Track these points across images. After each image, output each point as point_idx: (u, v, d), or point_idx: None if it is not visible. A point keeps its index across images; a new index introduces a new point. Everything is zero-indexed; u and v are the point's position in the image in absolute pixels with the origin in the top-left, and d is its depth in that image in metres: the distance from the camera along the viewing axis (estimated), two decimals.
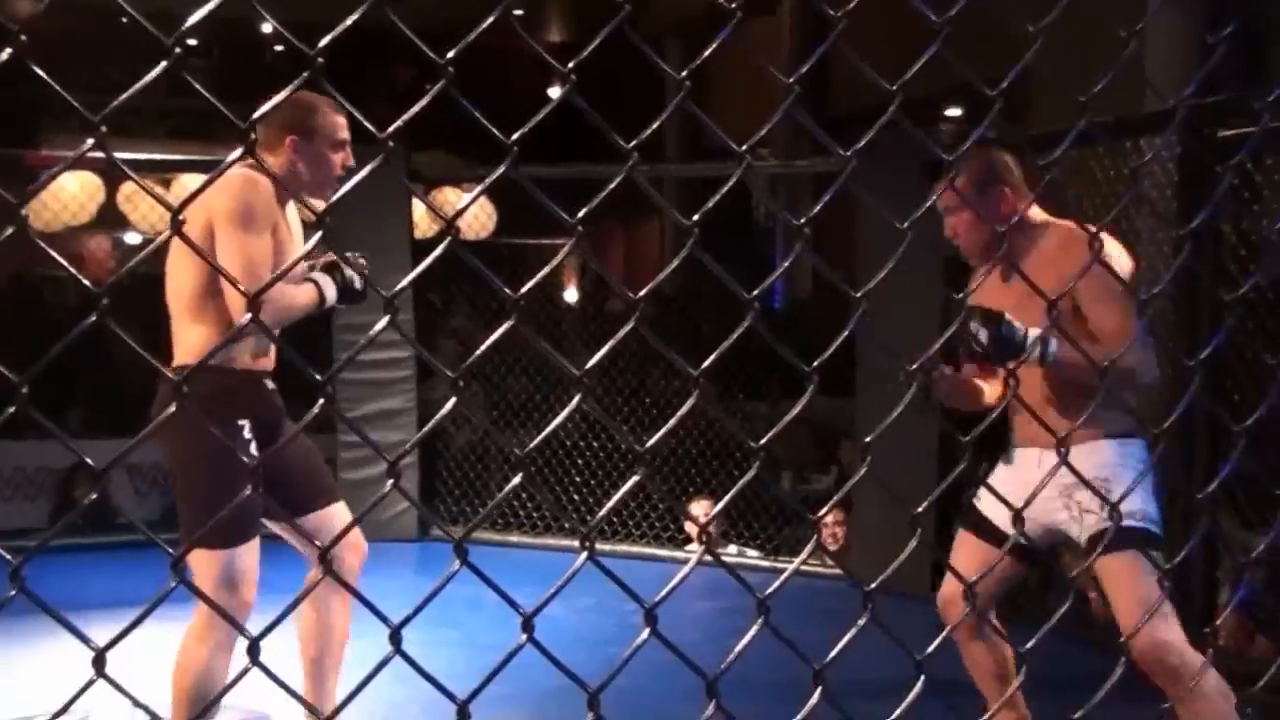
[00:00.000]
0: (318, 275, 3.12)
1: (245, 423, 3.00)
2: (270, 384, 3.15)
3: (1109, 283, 2.55)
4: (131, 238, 10.20)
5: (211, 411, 2.95)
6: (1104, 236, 2.80)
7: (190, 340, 3.00)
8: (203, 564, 2.91)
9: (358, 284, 3.13)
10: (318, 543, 3.19)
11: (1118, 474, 2.86)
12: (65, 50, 9.32)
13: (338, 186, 3.14)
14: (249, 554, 2.96)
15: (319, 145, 3.10)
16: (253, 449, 3.00)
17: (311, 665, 3.26)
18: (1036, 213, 2.99)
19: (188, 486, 3.00)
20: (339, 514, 3.26)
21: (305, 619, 3.25)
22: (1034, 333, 2.66)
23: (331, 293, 3.09)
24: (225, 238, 2.90)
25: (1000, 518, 3.08)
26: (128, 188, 8.92)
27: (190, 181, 8.40)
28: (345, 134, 3.16)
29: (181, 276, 3.02)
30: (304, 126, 3.09)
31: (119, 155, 1.03)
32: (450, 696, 1.11)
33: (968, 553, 3.17)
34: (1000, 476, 3.16)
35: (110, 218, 9.07)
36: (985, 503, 3.19)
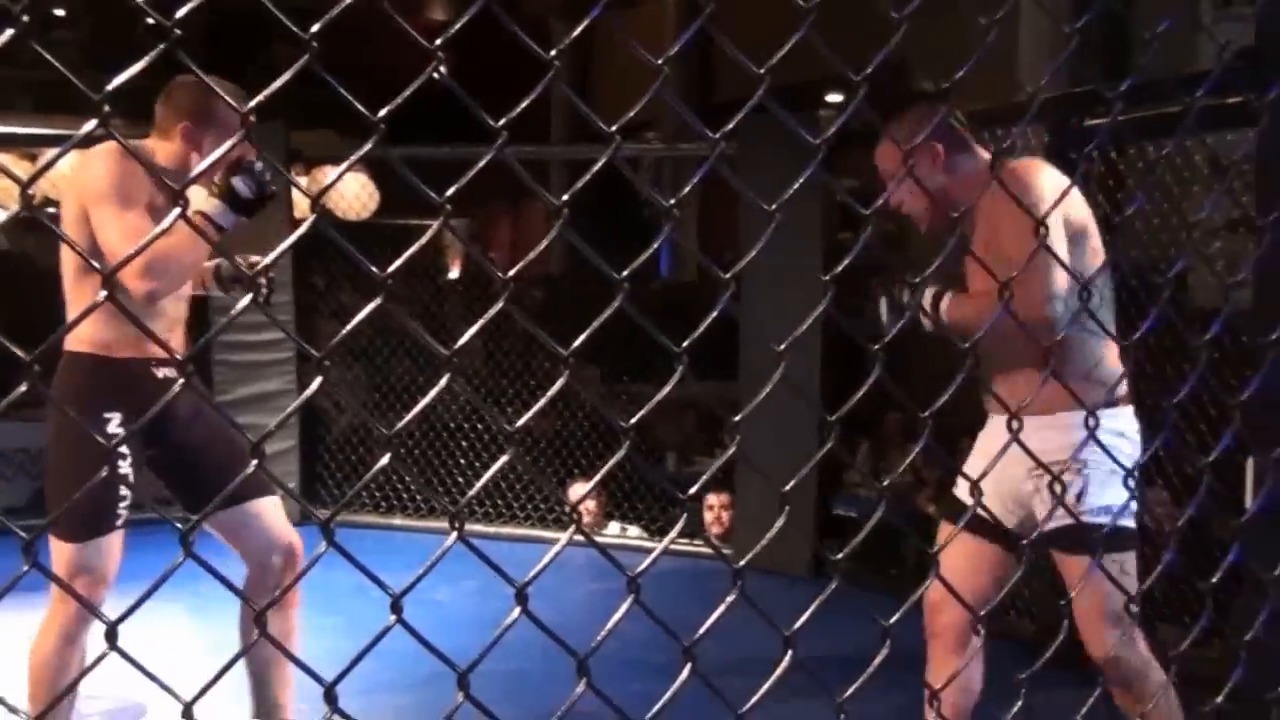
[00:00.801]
0: (205, 204, 2.84)
1: (114, 415, 2.86)
2: (164, 372, 2.96)
3: (1022, 217, 2.18)
4: None
5: (77, 400, 2.88)
6: (1031, 167, 2.63)
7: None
8: (55, 555, 2.85)
9: (244, 190, 2.81)
10: (237, 546, 3.05)
11: (1086, 456, 2.53)
12: None
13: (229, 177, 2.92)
14: (100, 550, 2.86)
15: (216, 134, 2.94)
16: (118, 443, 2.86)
17: (255, 677, 3.12)
18: (974, 165, 2.75)
19: (49, 473, 2.94)
20: (265, 510, 3.09)
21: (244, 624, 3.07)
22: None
23: (217, 208, 2.79)
24: (99, 215, 2.78)
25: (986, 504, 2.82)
26: None
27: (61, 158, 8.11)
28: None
29: (64, 257, 2.91)
30: (202, 114, 2.95)
31: None
32: (317, 679, 1.10)
33: (954, 549, 2.66)
34: (975, 448, 2.87)
35: None
36: (962, 488, 2.86)
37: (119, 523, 2.90)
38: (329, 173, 9.27)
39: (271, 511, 3.10)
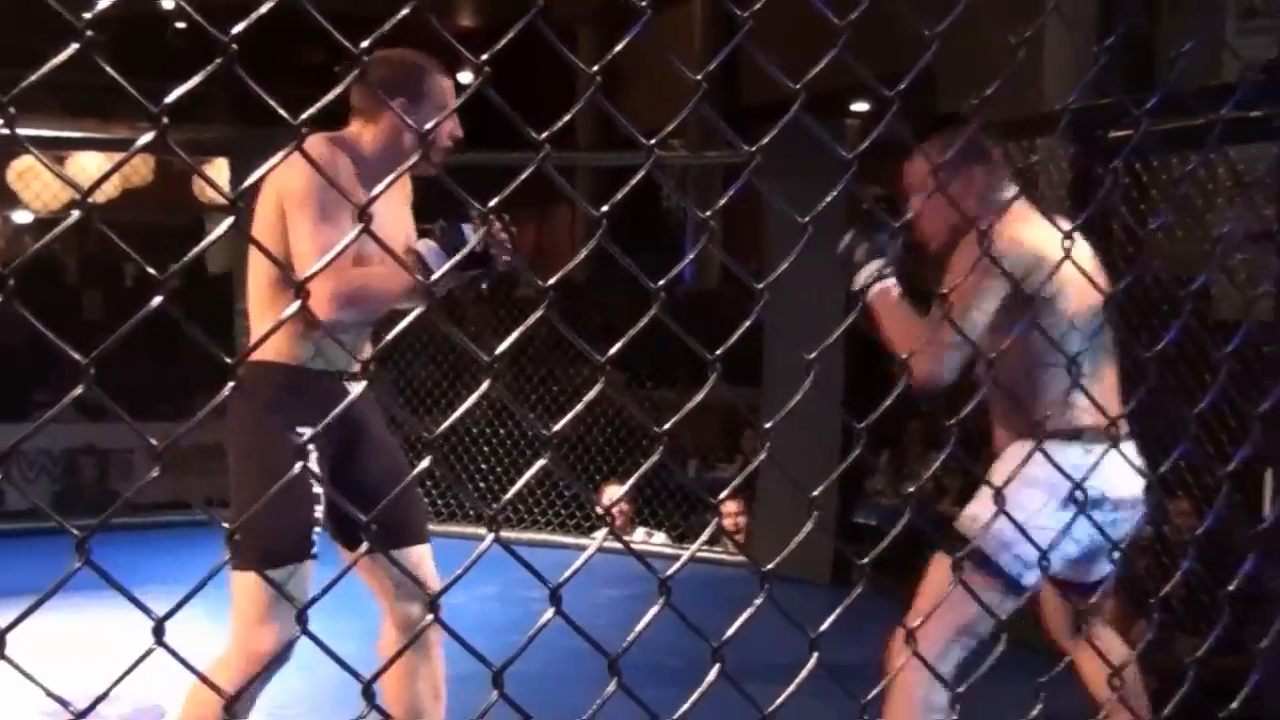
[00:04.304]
0: (420, 243, 2.58)
1: (305, 430, 2.44)
2: (356, 386, 2.58)
3: (973, 276, 2.33)
4: (22, 216, 9.93)
5: (268, 413, 2.60)
6: (1013, 230, 2.53)
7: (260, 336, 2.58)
8: (235, 585, 2.54)
9: (471, 243, 2.52)
10: (389, 589, 2.66)
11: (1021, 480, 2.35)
12: None
13: (444, 158, 2.67)
14: (299, 579, 2.53)
15: (428, 110, 2.61)
16: (313, 462, 2.48)
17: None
18: (1002, 201, 2.62)
19: (233, 491, 2.65)
20: (418, 558, 2.75)
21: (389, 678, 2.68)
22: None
23: (436, 259, 2.51)
24: (295, 224, 2.54)
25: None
26: (20, 165, 8.66)
27: (85, 160, 8.19)
28: (453, 98, 2.70)
29: (253, 266, 2.67)
30: (415, 88, 2.64)
31: (22, 132, 1.03)
32: (355, 675, 1.13)
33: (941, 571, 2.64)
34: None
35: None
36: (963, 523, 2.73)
37: (313, 550, 2.58)
38: None
39: (427, 561, 2.79)
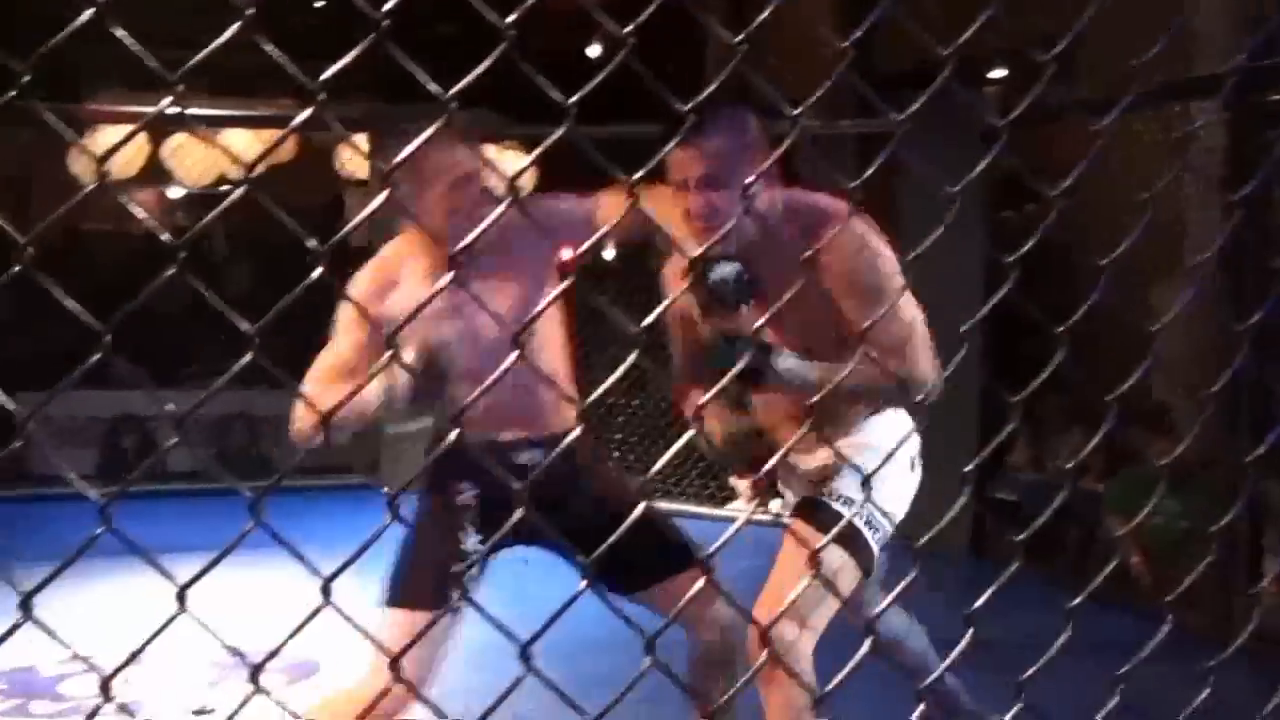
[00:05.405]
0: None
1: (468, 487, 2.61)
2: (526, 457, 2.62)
3: (869, 277, 2.24)
4: (174, 192, 10.30)
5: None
6: (856, 220, 2.32)
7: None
8: (386, 626, 2.54)
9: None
10: (684, 618, 2.52)
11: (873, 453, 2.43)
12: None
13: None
14: (442, 628, 2.50)
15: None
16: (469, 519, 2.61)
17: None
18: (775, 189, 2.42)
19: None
20: (686, 584, 2.57)
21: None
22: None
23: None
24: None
25: None
26: (173, 141, 8.99)
27: (234, 137, 8.46)
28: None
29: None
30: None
31: (190, 111, 1.06)
32: (512, 637, 1.14)
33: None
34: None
35: (155, 171, 9.16)
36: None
37: (454, 600, 2.55)
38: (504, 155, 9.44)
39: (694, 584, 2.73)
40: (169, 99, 1.01)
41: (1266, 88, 4.19)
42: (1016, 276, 1.21)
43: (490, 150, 9.62)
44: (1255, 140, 4.17)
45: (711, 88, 1.21)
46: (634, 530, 2.66)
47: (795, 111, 1.26)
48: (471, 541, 2.58)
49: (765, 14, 1.21)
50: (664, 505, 6.64)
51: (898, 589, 1.18)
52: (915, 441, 2.48)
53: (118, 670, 0.99)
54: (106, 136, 7.93)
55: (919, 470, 2.55)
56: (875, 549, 2.45)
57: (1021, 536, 1.24)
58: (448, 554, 2.59)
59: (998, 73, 9.61)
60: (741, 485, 6.51)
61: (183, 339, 7.91)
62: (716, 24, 1.24)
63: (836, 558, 2.35)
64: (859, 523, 2.43)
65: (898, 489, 2.52)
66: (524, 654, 1.06)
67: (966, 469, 1.24)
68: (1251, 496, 3.95)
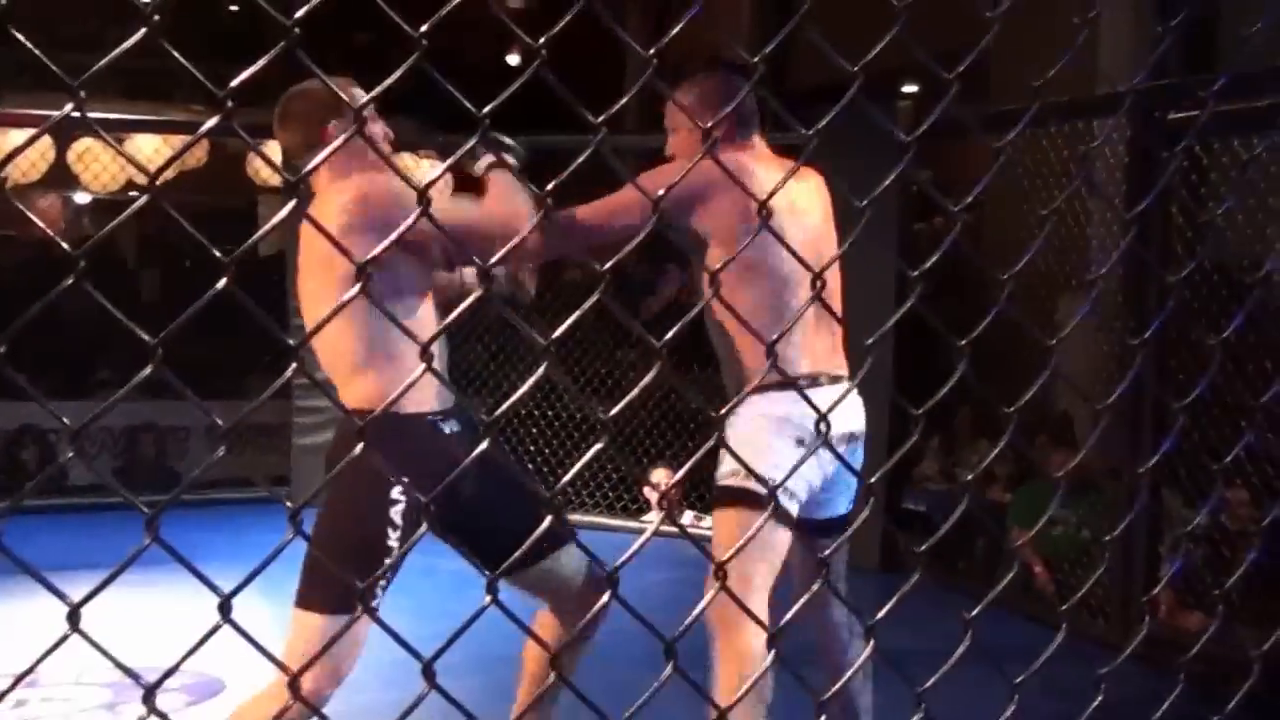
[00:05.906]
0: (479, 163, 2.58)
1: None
2: (450, 427, 2.70)
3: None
4: (81, 197, 10.05)
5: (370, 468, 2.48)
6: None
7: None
8: (298, 624, 2.52)
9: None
10: (546, 599, 2.70)
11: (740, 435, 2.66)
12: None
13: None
14: (353, 633, 2.41)
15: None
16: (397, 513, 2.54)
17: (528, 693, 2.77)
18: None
19: (315, 534, 2.51)
20: (567, 563, 2.72)
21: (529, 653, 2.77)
22: None
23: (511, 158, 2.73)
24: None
25: None
26: (79, 146, 8.77)
27: (144, 142, 8.28)
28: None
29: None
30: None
31: (91, 115, 1.04)
32: (416, 655, 1.13)
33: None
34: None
35: (62, 177, 8.94)
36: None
37: (376, 601, 2.45)
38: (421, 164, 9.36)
39: (574, 564, 2.75)
40: (71, 104, 0.98)
41: (1166, 106, 4.32)
42: (920, 290, 1.23)
43: (407, 159, 9.56)
44: (1153, 158, 4.28)
45: (623, 100, 1.22)
46: (510, 515, 2.59)
47: (708, 125, 1.27)
48: (394, 536, 2.53)
49: (675, 30, 1.22)
50: (576, 517, 6.63)
51: (803, 599, 1.19)
52: (801, 423, 2.58)
53: (4, 694, 0.96)
54: (9, 139, 7.73)
55: (818, 449, 2.54)
56: (780, 502, 2.57)
57: (923, 547, 1.26)
58: (368, 555, 2.52)
59: (909, 88, 9.79)
60: (654, 497, 6.53)
61: (95, 347, 7.72)
62: (629, 38, 1.24)
63: (745, 518, 2.54)
64: (738, 482, 2.61)
65: (779, 460, 2.58)
66: (427, 671, 1.05)
67: (871, 480, 1.26)
68: (1149, 505, 4.05)
